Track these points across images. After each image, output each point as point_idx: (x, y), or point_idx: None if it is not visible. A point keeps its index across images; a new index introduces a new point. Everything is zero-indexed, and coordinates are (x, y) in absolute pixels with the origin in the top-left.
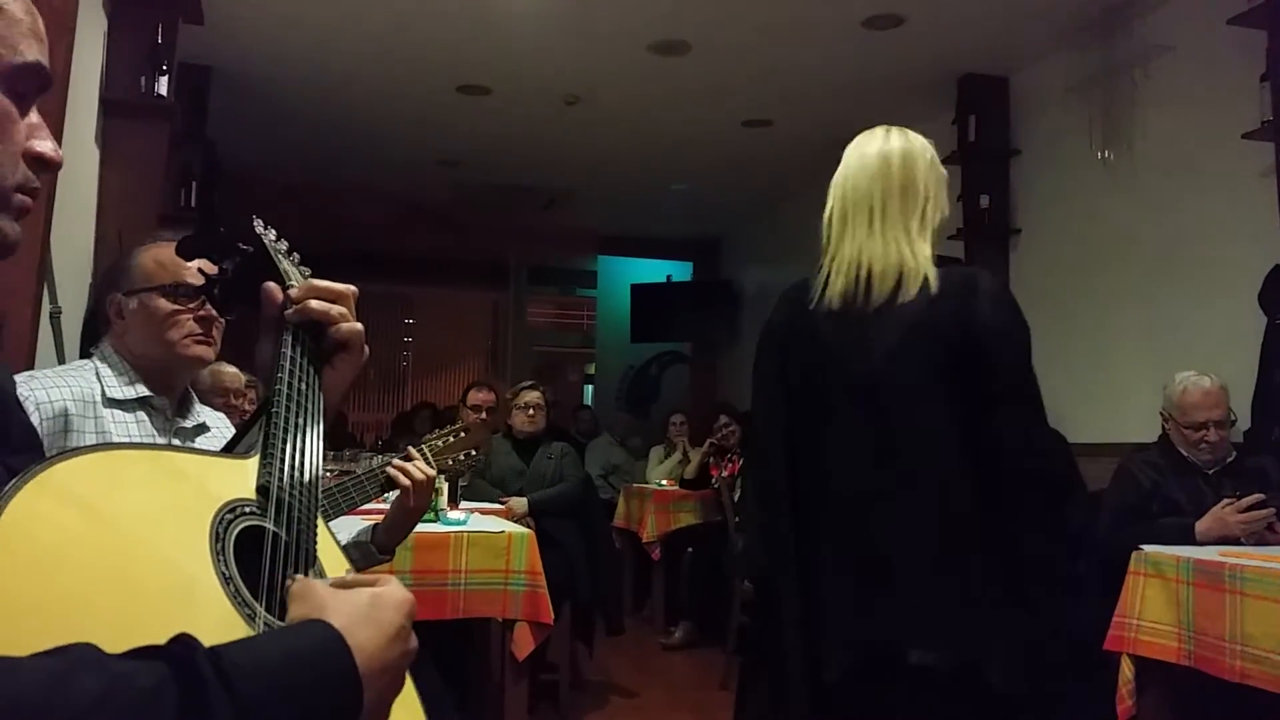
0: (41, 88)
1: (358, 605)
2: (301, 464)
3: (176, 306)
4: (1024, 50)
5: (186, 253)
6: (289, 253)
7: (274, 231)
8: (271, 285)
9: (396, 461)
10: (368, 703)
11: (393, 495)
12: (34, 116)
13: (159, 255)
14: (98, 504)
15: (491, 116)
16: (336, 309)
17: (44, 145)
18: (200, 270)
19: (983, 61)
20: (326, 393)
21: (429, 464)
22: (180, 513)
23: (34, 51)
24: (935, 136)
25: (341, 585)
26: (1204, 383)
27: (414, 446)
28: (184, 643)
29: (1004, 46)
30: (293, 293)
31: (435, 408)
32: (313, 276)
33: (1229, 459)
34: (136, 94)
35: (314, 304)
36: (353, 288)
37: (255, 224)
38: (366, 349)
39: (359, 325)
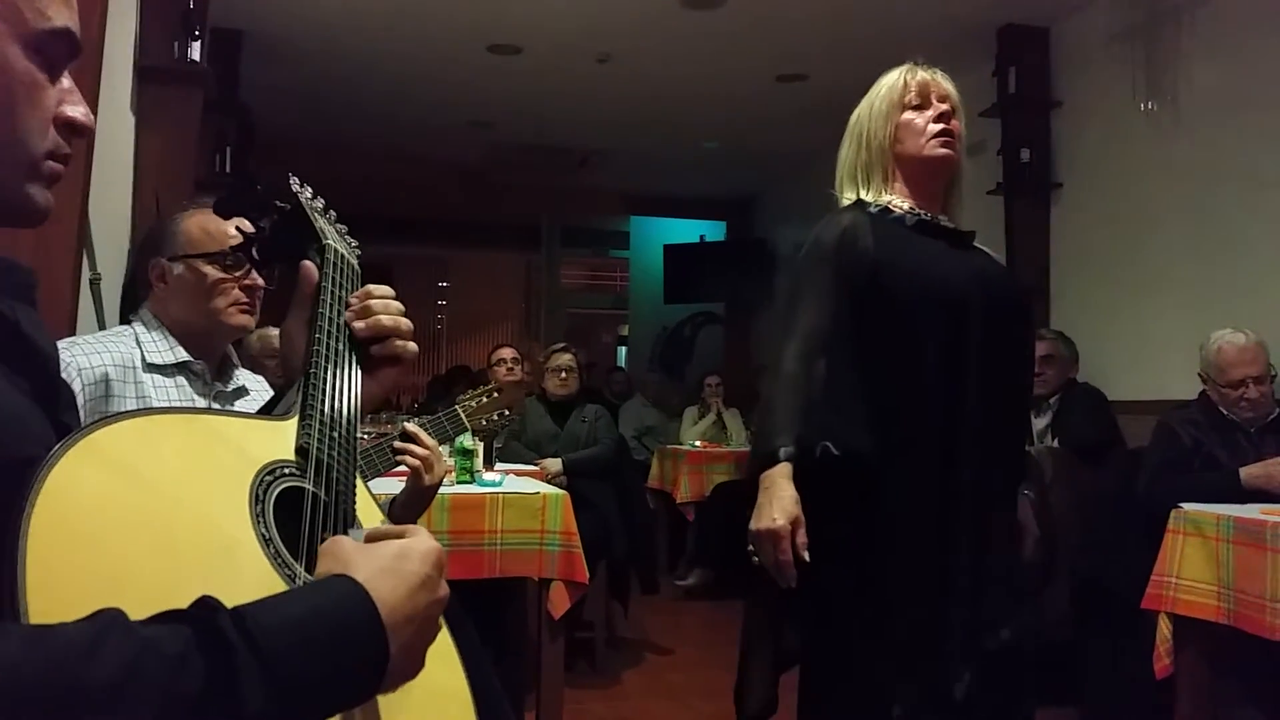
0: (72, 54)
1: (382, 557)
2: (340, 425)
3: (223, 275)
4: None
5: (224, 211)
6: (325, 211)
7: (310, 190)
8: (309, 264)
9: (397, 444)
10: (396, 652)
11: None
12: (66, 82)
13: (205, 223)
14: (139, 468)
15: (523, 76)
16: (406, 324)
17: (75, 110)
18: (238, 229)
19: (1023, 11)
20: (362, 401)
21: (462, 433)
22: (220, 475)
23: (63, 17)
24: (975, 88)
25: (372, 538)
26: (1239, 339)
27: (441, 410)
28: (207, 605)
29: None
30: (353, 304)
31: (470, 370)
32: (348, 235)
33: (1271, 415)
34: (170, 60)
35: (385, 318)
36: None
37: (291, 182)
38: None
39: (415, 345)
